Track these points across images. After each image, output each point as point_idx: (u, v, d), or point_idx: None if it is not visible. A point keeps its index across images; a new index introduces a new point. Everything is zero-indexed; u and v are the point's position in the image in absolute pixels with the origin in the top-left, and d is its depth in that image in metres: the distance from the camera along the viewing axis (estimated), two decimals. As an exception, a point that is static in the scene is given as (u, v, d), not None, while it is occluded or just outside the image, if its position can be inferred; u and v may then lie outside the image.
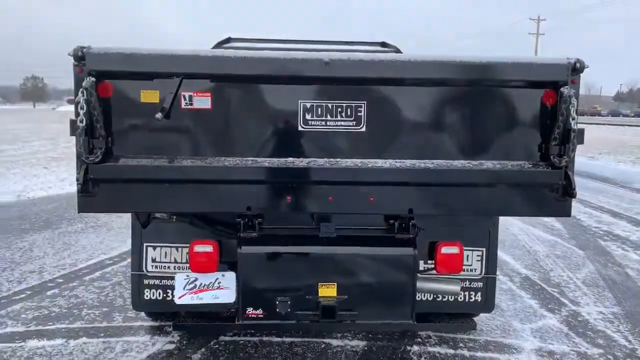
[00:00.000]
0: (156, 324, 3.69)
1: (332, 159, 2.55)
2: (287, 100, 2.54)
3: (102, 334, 3.57)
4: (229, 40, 5.56)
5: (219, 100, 2.52)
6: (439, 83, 2.56)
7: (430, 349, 3.45)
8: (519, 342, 3.58)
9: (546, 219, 7.41)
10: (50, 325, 3.70)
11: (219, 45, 5.30)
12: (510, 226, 6.95)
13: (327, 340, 3.51)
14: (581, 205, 8.48)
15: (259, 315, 2.71)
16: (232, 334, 3.56)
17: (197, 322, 3.11)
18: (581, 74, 2.59)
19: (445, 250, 2.86)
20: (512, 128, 2.67)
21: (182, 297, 2.78)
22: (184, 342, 3.46)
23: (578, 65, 2.54)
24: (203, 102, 2.50)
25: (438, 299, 3.51)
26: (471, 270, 3.51)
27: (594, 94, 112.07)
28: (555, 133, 2.55)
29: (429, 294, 3.50)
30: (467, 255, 3.49)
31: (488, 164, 2.61)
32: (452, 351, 3.42)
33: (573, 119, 2.52)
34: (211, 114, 2.52)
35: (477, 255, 3.51)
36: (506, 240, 6.21)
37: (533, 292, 4.54)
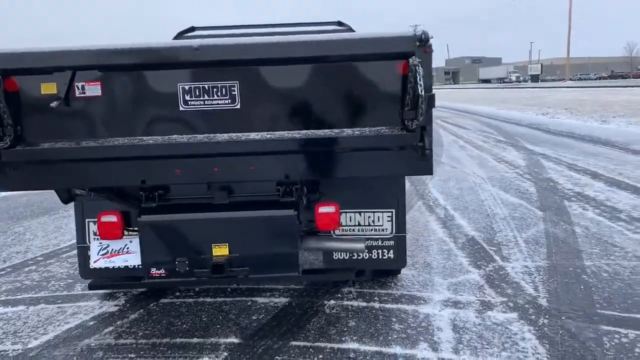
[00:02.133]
0: (109, 291, 4.15)
1: (210, 135, 2.90)
2: (167, 84, 2.89)
3: (59, 301, 4.05)
4: (192, 29, 5.94)
5: (108, 88, 2.89)
6: (301, 61, 2.86)
7: (345, 302, 3.78)
8: (431, 294, 3.87)
9: (522, 184, 7.57)
10: (18, 295, 4.20)
11: (180, 35, 5.69)
12: (482, 192, 7.15)
13: (254, 299, 3.89)
14: (566, 169, 8.55)
15: (162, 275, 3.10)
16: (172, 296, 3.98)
17: (111, 282, 3.54)
18: (429, 43, 2.84)
19: (322, 209, 3.17)
20: (372, 98, 2.95)
21: (97, 261, 3.20)
22: (128, 305, 3.90)
23: (423, 36, 2.79)
24: (94, 90, 2.88)
25: (354, 257, 3.85)
26: (383, 230, 3.82)
27: None
28: (407, 100, 2.82)
29: (345, 253, 3.85)
30: (378, 216, 3.82)
31: (348, 131, 2.91)
32: (364, 304, 3.75)
33: (420, 85, 2.78)
34: (103, 100, 2.90)
35: (388, 216, 3.82)
36: (471, 206, 6.44)
37: (470, 251, 4.79)
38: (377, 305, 3.73)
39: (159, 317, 3.67)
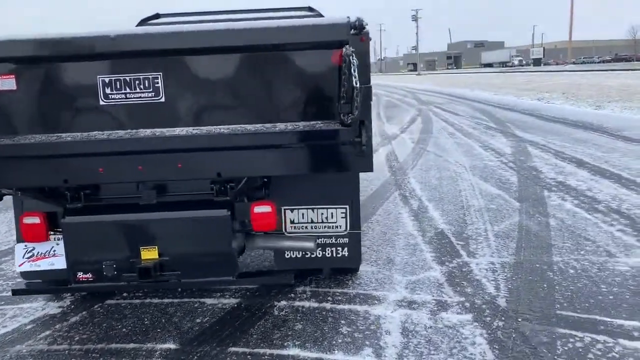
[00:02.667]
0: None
1: (132, 130, 2.72)
2: (86, 76, 2.70)
3: (2, 303, 3.90)
4: (157, 16, 5.72)
5: (23, 81, 2.70)
6: (225, 51, 2.66)
7: (297, 303, 3.61)
8: (387, 293, 3.70)
9: (505, 173, 7.37)
10: (-38, 296, 4.05)
11: (144, 22, 5.47)
12: (462, 182, 6.96)
13: (203, 300, 3.73)
14: (553, 157, 8.35)
15: (89, 279, 2.94)
16: (119, 296, 3.83)
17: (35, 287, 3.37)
18: (366, 32, 2.64)
19: (257, 209, 2.99)
20: (307, 90, 2.76)
21: (22, 265, 3.04)
22: (72, 307, 3.74)
23: (357, 23, 2.59)
24: (8, 83, 2.69)
25: (307, 255, 3.68)
26: (336, 227, 3.65)
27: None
28: (342, 92, 2.63)
29: (297, 252, 3.68)
30: (332, 213, 3.64)
31: (281, 126, 2.72)
32: (316, 305, 3.58)
33: (355, 77, 2.59)
34: (18, 94, 2.71)
35: (342, 213, 3.64)
36: (447, 197, 6.25)
37: (437, 246, 4.62)
38: (328, 306, 3.56)
39: (101, 320, 3.52)
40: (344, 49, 2.56)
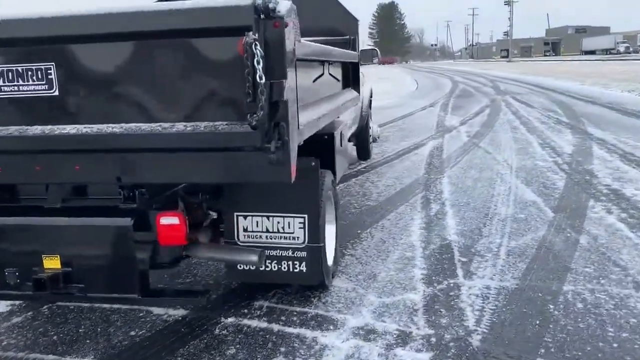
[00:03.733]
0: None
1: (22, 127, 2.44)
2: None
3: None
4: None
5: None
6: (118, 37, 2.31)
7: (245, 321, 3.25)
8: (349, 317, 3.24)
9: (553, 176, 6.56)
10: None
11: None
12: (499, 185, 6.25)
13: (151, 308, 3.45)
14: (618, 159, 7.36)
15: None
16: (67, 300, 3.63)
17: None
18: (278, 16, 2.19)
19: (164, 220, 2.62)
20: (212, 85, 2.35)
21: None
22: (23, 306, 3.59)
23: (262, 6, 2.15)
24: None
25: (261, 268, 3.29)
26: (293, 238, 3.23)
27: None
28: (247, 88, 2.20)
29: (251, 265, 3.30)
30: (289, 222, 3.23)
31: (180, 127, 2.33)
32: (265, 325, 3.20)
33: (257, 70, 2.15)
34: None
35: (299, 223, 3.23)
36: (475, 201, 5.60)
37: (434, 261, 4.06)
38: (277, 327, 3.16)
39: (40, 324, 3.34)
40: (245, 37, 2.12)
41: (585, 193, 5.76)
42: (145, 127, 2.35)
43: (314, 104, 3.22)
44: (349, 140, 7.88)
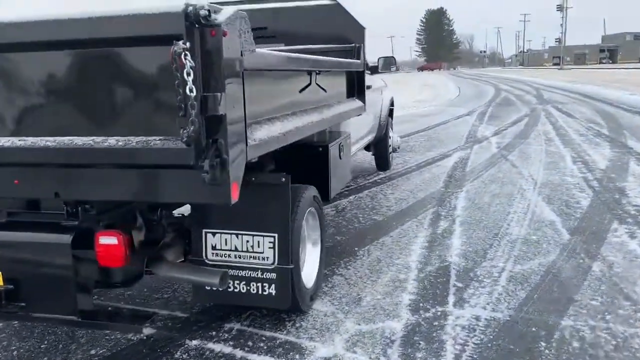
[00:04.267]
0: None
1: None
2: None
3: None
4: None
5: None
6: (46, 46, 2.18)
7: (209, 345, 3.08)
8: (318, 346, 3.03)
9: (579, 194, 6.14)
10: None
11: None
12: (518, 202, 5.88)
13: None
14: (654, 177, 6.85)
15: None
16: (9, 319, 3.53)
17: None
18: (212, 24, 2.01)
19: (103, 240, 2.47)
20: (146, 97, 2.20)
21: None
22: None
23: (192, 13, 1.97)
24: None
25: (229, 289, 3.12)
26: (263, 258, 3.05)
27: None
28: (178, 100, 2.03)
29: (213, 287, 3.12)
30: (258, 241, 3.05)
31: (112, 141, 2.19)
32: (229, 350, 3.02)
33: (187, 82, 1.98)
34: None
35: (269, 242, 3.04)
36: (486, 220, 5.27)
37: (426, 285, 3.79)
38: (240, 354, 2.98)
39: (7, 336, 3.27)
40: (174, 46, 1.95)
41: (611, 214, 5.35)
42: (78, 141, 2.21)
43: (286, 116, 3.02)
44: (368, 150, 7.67)
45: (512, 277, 3.87)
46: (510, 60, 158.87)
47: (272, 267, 3.04)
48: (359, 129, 6.06)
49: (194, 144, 2.05)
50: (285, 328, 3.24)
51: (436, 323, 3.24)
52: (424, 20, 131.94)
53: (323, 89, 3.65)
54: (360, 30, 5.00)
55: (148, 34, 2.06)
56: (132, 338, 3.18)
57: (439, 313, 3.37)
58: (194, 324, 3.32)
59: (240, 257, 3.08)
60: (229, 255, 3.09)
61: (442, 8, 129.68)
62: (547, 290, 3.65)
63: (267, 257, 3.04)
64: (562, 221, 5.16)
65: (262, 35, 5.26)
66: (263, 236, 3.04)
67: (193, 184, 2.14)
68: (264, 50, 2.58)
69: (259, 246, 3.05)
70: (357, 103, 4.85)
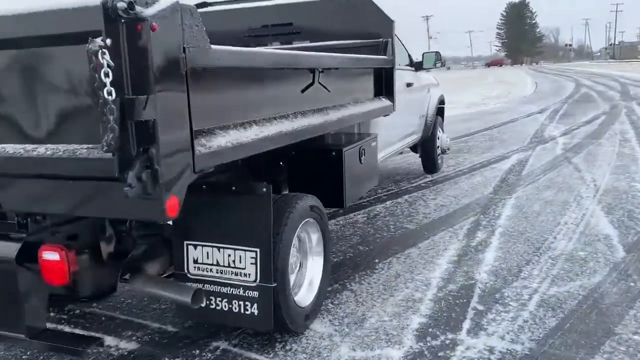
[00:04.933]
0: None
1: None
2: None
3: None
4: (204, 4, 5.35)
5: None
6: None
7: (188, 365, 2.86)
8: (303, 374, 2.73)
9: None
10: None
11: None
12: (573, 211, 5.29)
13: (105, 336, 3.18)
14: None
15: None
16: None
17: None
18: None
19: (46, 255, 2.28)
20: (72, 101, 1.99)
21: None
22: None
23: (111, 5, 1.74)
24: None
25: (211, 307, 2.90)
26: (245, 275, 2.80)
27: None
28: (99, 105, 1.81)
29: (204, 298, 2.91)
30: (240, 256, 2.80)
31: (40, 150, 1.99)
32: (206, 373, 2.79)
33: (105, 84, 1.75)
34: None
35: (251, 257, 2.79)
36: (532, 231, 4.75)
37: (445, 307, 3.39)
38: (216, 378, 2.73)
39: (-4, 344, 3.20)
40: (89, 44, 1.73)
41: (677, 228, 4.66)
42: (9, 148, 2.04)
43: (270, 120, 2.75)
44: (415, 152, 7.25)
45: (544, 301, 3.39)
46: (599, 53, 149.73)
47: (254, 285, 2.78)
48: (396, 130, 5.68)
49: (118, 153, 1.82)
50: (274, 350, 2.97)
51: (441, 354, 2.85)
52: (504, 13, 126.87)
53: (326, 88, 3.34)
54: (388, 23, 4.63)
55: (70, 32, 1.85)
56: (114, 352, 3.02)
57: (447, 341, 2.97)
58: (180, 340, 3.12)
59: (222, 273, 2.84)
60: (211, 270, 2.86)
61: (524, 1, 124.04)
62: (583, 319, 3.15)
63: (249, 274, 2.78)
64: (619, 235, 4.55)
65: (288, 31, 5.02)
66: (245, 251, 2.78)
67: (118, 198, 1.90)
68: (225, 47, 2.31)
69: (240, 261, 2.80)
70: (382, 103, 4.48)
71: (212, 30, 2.23)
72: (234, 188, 2.79)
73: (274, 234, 2.82)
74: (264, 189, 2.72)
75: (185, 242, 2.87)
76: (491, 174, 7.27)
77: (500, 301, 3.43)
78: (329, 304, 3.49)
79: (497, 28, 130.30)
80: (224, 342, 3.08)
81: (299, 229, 3.09)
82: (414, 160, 7.87)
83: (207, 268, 2.86)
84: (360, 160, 4.12)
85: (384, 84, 4.62)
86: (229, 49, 2.36)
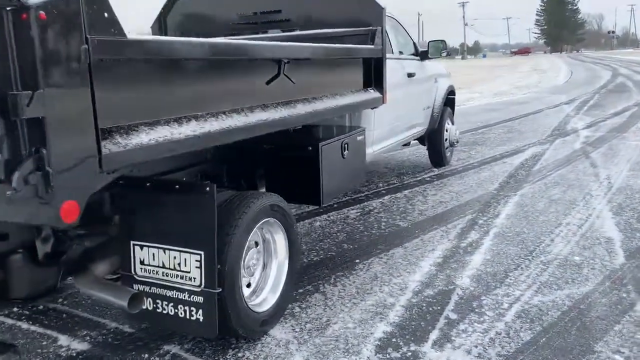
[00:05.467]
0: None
1: None
2: None
3: None
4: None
5: None
6: None
7: (133, 371, 2.74)
8: (247, 385, 2.58)
9: (658, 203, 5.08)
10: None
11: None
12: (577, 210, 4.98)
13: (60, 335, 3.10)
14: None
15: None
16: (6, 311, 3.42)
17: None
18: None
19: None
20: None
21: None
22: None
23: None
24: None
25: (158, 310, 2.77)
26: (190, 279, 2.66)
27: None
28: None
29: (150, 302, 2.78)
30: (185, 259, 2.66)
31: None
32: (148, 380, 2.66)
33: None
34: None
35: (196, 261, 2.64)
36: (528, 233, 4.49)
37: (415, 314, 3.19)
38: (157, 386, 2.61)
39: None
40: None
41: (691, 233, 4.32)
42: None
43: (209, 115, 2.57)
44: (422, 144, 7.00)
45: (524, 312, 3.15)
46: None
47: (199, 289, 2.63)
48: (395, 122, 5.45)
49: (3, 153, 1.67)
50: (225, 357, 2.82)
51: (400, 367, 2.66)
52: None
53: (291, 80, 3.14)
54: (378, 10, 4.38)
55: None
56: (62, 354, 2.92)
57: (409, 354, 2.77)
58: (132, 342, 3.01)
59: (167, 276, 2.69)
60: (157, 272, 2.72)
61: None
62: (562, 333, 2.91)
63: (194, 278, 2.63)
64: (622, 239, 4.25)
65: (277, 19, 4.83)
66: (189, 253, 2.63)
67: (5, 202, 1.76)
68: (143, 37, 2.14)
69: (185, 264, 2.65)
70: (369, 95, 4.26)
71: (206, 17, 2.04)
72: (177, 186, 2.63)
73: (224, 236, 2.68)
74: (207, 189, 2.56)
75: (132, 242, 2.73)
76: (501, 168, 6.96)
77: (476, 310, 3.20)
78: (296, 307, 3.32)
79: (537, 14, 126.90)
80: (177, 346, 2.95)
81: (255, 230, 2.93)
82: (423, 152, 7.60)
83: (153, 270, 2.72)
84: (342, 155, 3.92)
85: (373, 75, 4.39)
86: (148, 38, 2.19)
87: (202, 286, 2.61)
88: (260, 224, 2.98)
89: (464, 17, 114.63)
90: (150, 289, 2.73)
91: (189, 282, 2.64)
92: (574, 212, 5.00)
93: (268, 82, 3.08)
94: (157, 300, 2.74)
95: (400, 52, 6.05)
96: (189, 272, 2.64)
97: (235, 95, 2.79)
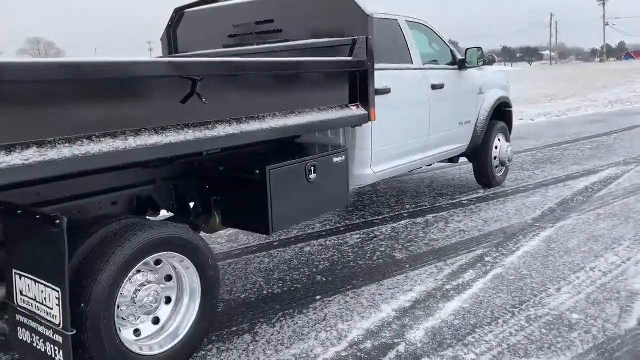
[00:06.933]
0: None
1: None
2: None
3: None
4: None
5: None
6: None
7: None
8: None
9: None
10: None
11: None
12: (614, 254, 4.15)
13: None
14: None
15: None
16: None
17: None
18: None
19: None
20: None
21: None
22: None
23: None
24: None
25: (34, 345, 2.63)
26: (52, 316, 2.49)
27: None
28: None
29: (27, 334, 2.66)
30: (49, 295, 2.51)
31: None
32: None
33: None
34: None
35: (56, 298, 2.46)
36: (536, 277, 3.79)
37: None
38: None
39: None
40: None
41: None
42: None
43: (87, 139, 2.36)
44: (469, 160, 6.34)
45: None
46: None
47: (59, 329, 2.43)
48: (409, 139, 4.91)
49: None
50: (101, 402, 2.59)
51: None
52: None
53: (202, 99, 2.83)
54: (362, 18, 3.93)
55: None
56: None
57: None
58: (30, 373, 2.88)
59: (38, 310, 2.53)
60: (32, 305, 2.57)
61: None
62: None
63: (55, 316, 2.44)
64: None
65: (269, 30, 4.56)
66: (51, 289, 2.44)
67: None
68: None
69: (48, 300, 2.47)
70: (345, 112, 3.81)
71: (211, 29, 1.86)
72: (37, 217, 2.45)
73: (88, 272, 2.46)
74: (57, 221, 2.34)
75: (14, 271, 2.61)
76: (557, 193, 6.07)
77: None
78: (214, 350, 3.02)
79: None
80: (66, 382, 2.77)
81: (140, 266, 2.68)
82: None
83: (30, 302, 2.58)
84: (307, 178, 3.55)
85: (358, 90, 3.94)
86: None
87: (61, 326, 2.41)
88: (155, 257, 2.72)
89: (604, 16, 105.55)
90: (27, 321, 2.59)
91: (52, 320, 2.46)
92: (610, 254, 4.15)
93: (183, 101, 2.81)
94: (33, 335, 2.59)
95: (435, 62, 5.49)
96: (52, 309, 2.46)
97: (131, 117, 2.55)
